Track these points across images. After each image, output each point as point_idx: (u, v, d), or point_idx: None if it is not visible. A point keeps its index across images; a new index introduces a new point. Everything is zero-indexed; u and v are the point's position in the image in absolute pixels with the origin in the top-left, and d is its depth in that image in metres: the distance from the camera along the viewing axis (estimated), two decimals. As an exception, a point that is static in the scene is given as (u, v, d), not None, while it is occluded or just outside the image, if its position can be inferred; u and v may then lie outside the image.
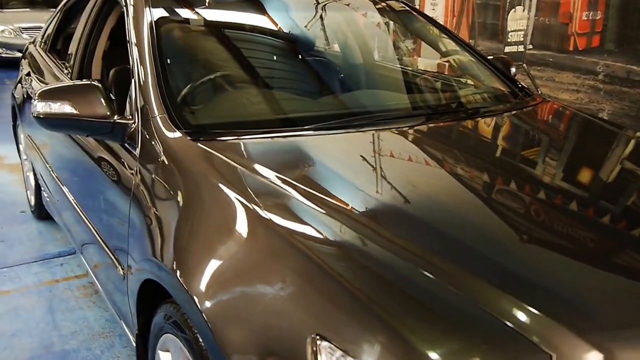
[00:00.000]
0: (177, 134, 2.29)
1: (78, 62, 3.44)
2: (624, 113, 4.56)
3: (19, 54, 12.05)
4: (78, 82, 2.60)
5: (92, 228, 2.88)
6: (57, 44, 4.35)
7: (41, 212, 4.65)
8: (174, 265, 1.88)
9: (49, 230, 4.62)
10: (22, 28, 12.14)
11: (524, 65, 5.27)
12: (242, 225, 1.84)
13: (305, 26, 3.36)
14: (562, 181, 2.30)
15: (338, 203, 1.88)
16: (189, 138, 2.27)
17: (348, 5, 3.65)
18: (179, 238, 1.96)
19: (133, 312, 2.32)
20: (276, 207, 1.86)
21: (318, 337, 1.43)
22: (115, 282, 2.59)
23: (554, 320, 1.43)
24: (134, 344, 2.45)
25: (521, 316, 1.44)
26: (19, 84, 4.62)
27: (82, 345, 3.22)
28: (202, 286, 1.76)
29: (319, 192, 1.93)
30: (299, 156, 2.30)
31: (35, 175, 4.48)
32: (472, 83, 3.30)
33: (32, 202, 4.77)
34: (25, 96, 4.34)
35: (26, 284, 3.84)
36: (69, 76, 3.50)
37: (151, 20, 2.77)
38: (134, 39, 2.70)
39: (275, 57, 3.20)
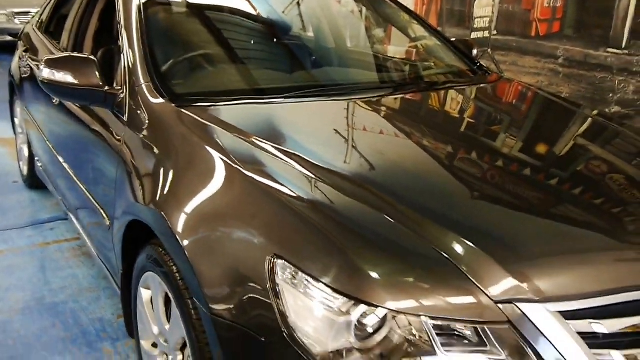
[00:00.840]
0: (161, 100, 2.51)
1: (72, 42, 3.64)
2: (581, 95, 4.80)
3: (10, 38, 12.21)
4: (77, 54, 2.80)
5: (83, 189, 3.09)
6: (51, 26, 4.53)
7: (33, 182, 4.86)
8: (160, 207, 2.11)
9: (41, 199, 4.82)
10: (15, 13, 12.25)
11: (489, 50, 5.50)
12: (218, 173, 2.06)
13: (282, 11, 3.58)
14: (503, 142, 2.55)
15: (301, 154, 2.10)
16: (172, 105, 2.49)
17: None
18: (164, 185, 2.18)
19: (118, 255, 2.54)
20: (246, 158, 2.08)
21: (275, 256, 1.67)
22: (104, 234, 2.80)
23: (482, 252, 1.66)
24: (119, 287, 2.67)
25: (456, 248, 1.67)
26: (17, 62, 4.81)
27: (70, 298, 3.44)
28: (183, 224, 1.98)
29: (284, 146, 2.17)
30: (266, 118, 2.52)
31: (29, 146, 4.68)
32: (437, 62, 3.53)
33: (25, 172, 4.98)
34: (22, 73, 4.53)
35: (19, 246, 4.06)
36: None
37: (139, 2, 2.97)
38: (123, 19, 2.91)
39: (251, 38, 3.41)
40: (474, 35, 5.67)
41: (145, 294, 2.37)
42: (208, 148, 2.17)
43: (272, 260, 1.67)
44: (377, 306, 1.54)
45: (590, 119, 2.96)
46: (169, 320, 2.18)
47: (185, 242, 1.94)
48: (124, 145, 2.54)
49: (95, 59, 2.69)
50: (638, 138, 2.68)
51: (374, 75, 3.42)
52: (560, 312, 1.56)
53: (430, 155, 2.34)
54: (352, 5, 4.14)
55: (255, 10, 3.49)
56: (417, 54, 3.67)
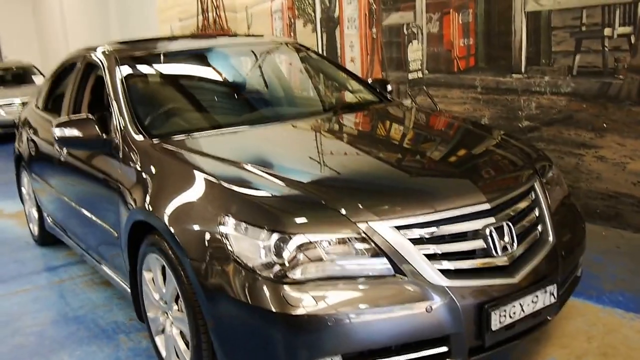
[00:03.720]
0: (143, 138, 3.80)
1: (71, 111, 4.94)
2: (499, 115, 6.08)
3: (-1, 129, 13.47)
4: (80, 116, 4.11)
5: (94, 219, 4.32)
6: (49, 104, 5.86)
7: (44, 240, 6.14)
8: (152, 208, 3.36)
9: (52, 253, 6.07)
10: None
11: (424, 87, 6.83)
12: (187, 180, 3.30)
13: (229, 71, 4.94)
14: (378, 138, 4.01)
15: (239, 158, 3.39)
16: (150, 140, 3.78)
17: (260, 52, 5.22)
18: (152, 192, 3.43)
19: (125, 256, 3.75)
20: (201, 165, 3.36)
21: (223, 215, 2.91)
22: (112, 246, 4.02)
23: (347, 199, 2.93)
24: (129, 286, 3.87)
25: (333, 198, 2.93)
26: (22, 140, 6.14)
27: (89, 312, 4.64)
28: (169, 216, 3.22)
29: (227, 154, 3.47)
30: (216, 140, 3.84)
31: (38, 208, 5.95)
32: (357, 96, 4.87)
33: (36, 232, 6.25)
34: (29, 147, 5.85)
35: (40, 284, 5.29)
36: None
37: (121, 75, 4.29)
38: (111, 88, 4.22)
39: (207, 94, 4.76)
40: (410, 76, 6.99)
41: (147, 275, 3.58)
42: (177, 164, 3.49)
43: (222, 219, 2.92)
44: (285, 234, 2.77)
45: (431, 116, 4.54)
46: (165, 286, 3.40)
47: (172, 227, 3.17)
48: (121, 174, 3.81)
49: (93, 117, 3.99)
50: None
51: (301, 110, 4.86)
52: (396, 226, 2.80)
53: (334, 155, 3.65)
54: (299, 65, 5.48)
55: (210, 74, 4.84)
56: (345, 94, 5.00)
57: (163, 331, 3.57)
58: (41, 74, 15.84)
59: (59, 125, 3.97)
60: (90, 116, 4.03)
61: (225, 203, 3.02)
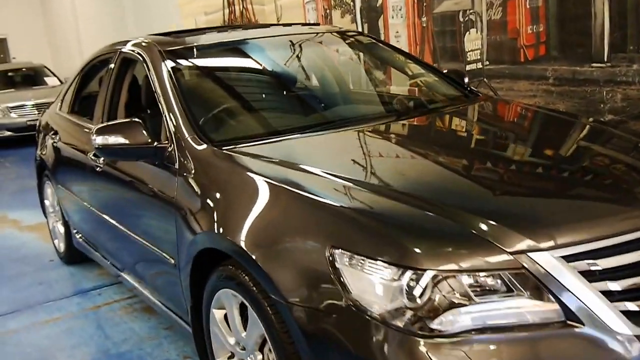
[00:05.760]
0: (205, 146, 3.11)
1: (106, 114, 4.24)
2: (576, 109, 5.39)
3: (8, 133, 12.89)
4: (124, 120, 3.43)
5: (141, 241, 3.62)
6: (76, 106, 5.18)
7: (71, 257, 5.44)
8: (229, 233, 2.67)
9: (80, 272, 5.38)
10: (9, 107, 12.97)
11: (485, 79, 6.14)
12: (263, 194, 2.64)
13: (290, 64, 4.22)
14: (497, 146, 3.26)
15: (331, 170, 2.68)
16: (214, 148, 3.08)
17: (321, 42, 4.52)
18: (229, 216, 2.73)
19: (186, 288, 3.07)
20: (286, 179, 2.66)
21: (332, 247, 2.22)
22: (167, 277, 3.34)
23: (496, 223, 2.21)
24: (188, 323, 3.20)
25: (476, 223, 2.21)
26: (45, 146, 5.45)
27: (134, 347, 3.96)
28: (254, 245, 2.52)
29: (314, 166, 2.76)
30: (286, 148, 3.13)
31: (65, 222, 5.26)
32: (433, 91, 4.16)
33: (62, 248, 5.54)
34: (55, 154, 5.15)
35: (72, 311, 4.60)
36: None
37: (168, 69, 3.60)
38: (159, 86, 3.53)
39: (268, 91, 4.06)
40: (468, 67, 6.30)
41: (217, 314, 2.89)
42: (249, 175, 2.79)
43: (331, 251, 2.23)
44: (420, 270, 2.09)
45: (546, 117, 3.73)
46: (244, 328, 2.72)
47: (259, 259, 2.47)
48: (178, 189, 3.11)
49: (140, 121, 3.30)
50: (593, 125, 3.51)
51: (377, 108, 4.11)
52: (562, 256, 2.11)
53: (444, 164, 2.92)
54: (350, 53, 4.78)
55: (269, 67, 4.14)
56: (415, 87, 4.30)
57: (239, 381, 2.90)
58: (54, 75, 15.16)
59: (100, 132, 3.28)
60: (136, 119, 3.34)
61: (330, 228, 2.33)
